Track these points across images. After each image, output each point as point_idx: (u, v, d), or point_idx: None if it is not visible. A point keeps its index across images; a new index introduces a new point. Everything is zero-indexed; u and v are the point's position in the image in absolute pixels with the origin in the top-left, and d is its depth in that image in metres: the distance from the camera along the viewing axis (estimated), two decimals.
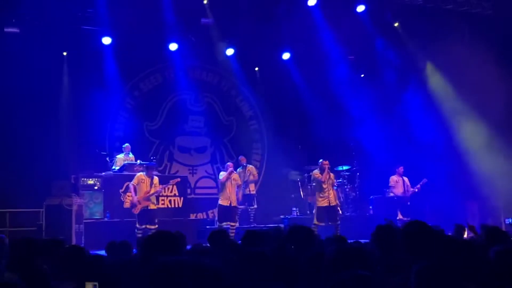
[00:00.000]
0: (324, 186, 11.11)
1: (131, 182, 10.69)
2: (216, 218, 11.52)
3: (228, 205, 11.21)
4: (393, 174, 12.73)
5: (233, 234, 10.61)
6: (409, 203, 12.44)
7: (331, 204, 11.09)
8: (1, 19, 12.16)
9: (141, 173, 10.85)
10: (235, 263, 3.05)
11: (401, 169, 12.73)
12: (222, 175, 11.47)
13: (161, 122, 14.90)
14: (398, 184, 12.63)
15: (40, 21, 12.23)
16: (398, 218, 11.91)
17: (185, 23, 13.51)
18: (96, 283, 3.05)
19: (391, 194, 12.67)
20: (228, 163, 11.76)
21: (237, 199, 11.53)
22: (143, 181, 10.63)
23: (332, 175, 11.52)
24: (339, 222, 11.13)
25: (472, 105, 12.82)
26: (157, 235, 3.52)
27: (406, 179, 12.69)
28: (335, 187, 13.45)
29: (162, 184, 10.97)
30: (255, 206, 13.08)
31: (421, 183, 12.51)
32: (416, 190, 12.53)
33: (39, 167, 11.56)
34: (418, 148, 13.44)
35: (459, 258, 3.05)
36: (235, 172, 11.68)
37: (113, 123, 14.27)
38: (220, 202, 11.37)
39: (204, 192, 15.00)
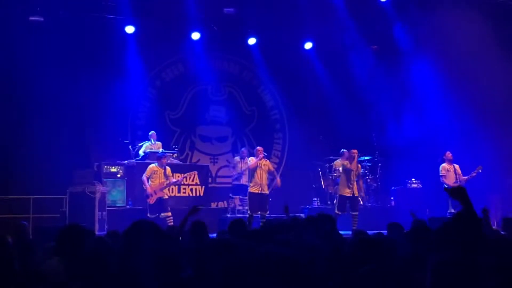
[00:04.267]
0: (352, 176, 11.00)
1: (144, 174, 10.87)
2: (247, 207, 11.07)
3: (259, 192, 10.83)
4: (442, 162, 11.55)
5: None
6: None
7: (354, 195, 11.03)
8: (26, 7, 12.29)
9: (153, 164, 11.01)
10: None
11: (449, 154, 11.51)
12: (251, 160, 11.13)
13: (182, 111, 14.95)
14: (450, 173, 11.38)
15: (64, 9, 12.35)
16: (449, 211, 10.91)
17: (208, 12, 13.53)
18: None
19: (444, 186, 11.27)
20: (258, 148, 11.25)
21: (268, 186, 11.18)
22: (155, 172, 10.83)
23: (359, 166, 11.46)
24: (357, 213, 11.05)
25: (496, 96, 12.63)
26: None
27: (457, 166, 11.53)
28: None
29: (175, 173, 11.14)
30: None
31: (476, 170, 11.34)
32: (470, 178, 11.35)
33: (62, 155, 11.70)
34: (440, 138, 13.27)
35: (479, 252, 3.01)
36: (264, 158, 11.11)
37: (135, 112, 14.36)
38: (250, 190, 10.91)
39: (225, 181, 15.03)
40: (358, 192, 11.42)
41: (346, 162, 11.18)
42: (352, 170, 10.99)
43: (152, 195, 10.71)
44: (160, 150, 12.44)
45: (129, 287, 2.85)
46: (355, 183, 11.06)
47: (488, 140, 12.61)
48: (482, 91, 12.65)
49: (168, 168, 11.07)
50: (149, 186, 10.74)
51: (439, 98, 13.52)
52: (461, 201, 3.36)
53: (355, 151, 11.17)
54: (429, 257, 2.45)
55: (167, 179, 10.91)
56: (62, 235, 3.98)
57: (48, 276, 3.36)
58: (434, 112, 13.64)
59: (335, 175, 13.10)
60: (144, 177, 10.83)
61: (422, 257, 3.42)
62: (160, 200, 10.80)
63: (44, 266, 3.65)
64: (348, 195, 10.96)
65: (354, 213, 10.91)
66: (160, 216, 10.60)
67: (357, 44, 14.45)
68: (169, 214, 10.73)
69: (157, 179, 10.80)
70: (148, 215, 10.58)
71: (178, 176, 11.52)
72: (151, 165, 11.02)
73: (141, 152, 12.63)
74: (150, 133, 12.94)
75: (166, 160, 11.24)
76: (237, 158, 13.36)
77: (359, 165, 11.41)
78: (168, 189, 11.34)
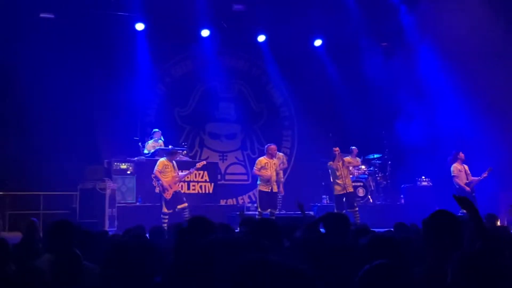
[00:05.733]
0: (338, 173, 10.96)
1: (156, 169, 10.69)
2: (257, 204, 11.03)
3: (269, 190, 10.73)
4: (453, 162, 11.15)
5: None
6: (474, 194, 10.76)
7: (347, 191, 10.99)
8: (37, 4, 12.35)
9: (163, 158, 10.88)
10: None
11: (462, 155, 11.17)
12: (262, 161, 10.84)
13: (192, 108, 14.98)
14: (462, 173, 11.00)
15: (75, 6, 12.39)
16: (461, 211, 10.70)
17: (217, 9, 13.51)
18: None
19: (456, 186, 10.88)
20: (271, 147, 11.06)
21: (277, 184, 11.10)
22: (167, 167, 10.69)
23: (348, 159, 11.38)
24: (357, 208, 11.01)
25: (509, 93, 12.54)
26: (193, 220, 3.55)
27: (466, 167, 11.18)
28: (365, 176, 13.42)
29: (184, 170, 11.10)
30: (283, 193, 12.90)
31: (486, 172, 11.00)
32: (482, 179, 11.00)
33: (73, 152, 11.75)
34: (451, 136, 13.17)
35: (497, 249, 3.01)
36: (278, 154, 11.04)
37: (144, 109, 14.40)
38: (260, 188, 10.82)
39: (234, 178, 15.08)
40: (352, 188, 11.36)
41: (330, 163, 11.14)
42: (337, 168, 10.97)
43: (168, 190, 10.53)
44: (170, 147, 12.44)
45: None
46: (347, 180, 11.01)
47: (500, 138, 12.52)
48: (494, 89, 12.55)
49: (174, 162, 10.94)
50: (165, 180, 10.56)
51: (450, 96, 13.44)
52: (468, 210, 3.42)
53: (336, 148, 11.13)
54: (453, 253, 2.44)
55: (176, 173, 10.80)
56: (50, 232, 3.91)
57: (37, 274, 3.35)
58: (445, 110, 13.55)
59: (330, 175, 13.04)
60: (157, 172, 10.65)
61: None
62: (176, 194, 10.64)
63: (34, 263, 3.63)
64: (341, 192, 10.93)
65: (351, 209, 10.82)
66: (176, 209, 10.45)
67: (367, 41, 14.39)
68: (186, 205, 10.53)
69: (170, 173, 10.65)
70: (165, 210, 10.45)
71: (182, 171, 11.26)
72: (161, 159, 10.84)
73: (145, 151, 12.61)
74: (153, 131, 12.92)
75: (177, 157, 11.16)
76: None
77: (347, 159, 11.32)
78: (178, 185, 11.09)
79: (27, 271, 3.34)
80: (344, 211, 10.58)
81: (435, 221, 3.30)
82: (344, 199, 10.93)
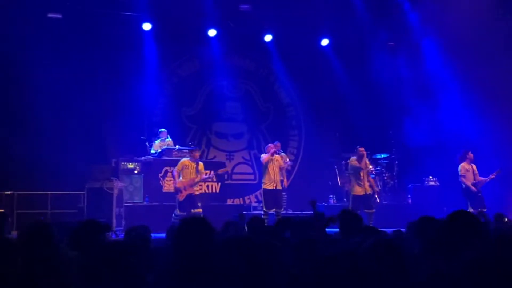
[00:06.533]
0: (361, 174, 10.93)
1: (175, 168, 10.61)
2: (262, 204, 10.97)
3: (274, 188, 10.72)
4: (461, 161, 11.17)
5: None
6: (480, 194, 10.95)
7: (367, 193, 10.95)
8: (44, 4, 12.41)
9: (186, 159, 10.76)
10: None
11: (471, 154, 11.22)
12: (263, 156, 10.93)
13: (199, 108, 14.99)
14: (469, 173, 11.09)
15: (83, 6, 12.44)
16: (468, 210, 10.47)
17: (224, 9, 13.53)
18: None
19: (463, 186, 11.04)
20: (270, 145, 11.14)
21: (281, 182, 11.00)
22: (187, 167, 10.53)
23: (368, 162, 11.37)
24: (374, 210, 10.97)
25: None
26: (190, 221, 3.55)
27: (474, 166, 11.24)
28: (372, 175, 13.38)
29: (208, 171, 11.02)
30: (286, 185, 12.85)
31: (495, 172, 11.05)
32: (489, 180, 11.07)
33: (80, 151, 11.77)
34: (458, 136, 13.11)
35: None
36: (280, 153, 10.99)
37: (151, 109, 14.41)
38: (264, 186, 10.81)
39: (241, 178, 15.08)
40: (374, 188, 11.29)
41: (355, 161, 11.05)
42: (362, 168, 10.91)
43: (181, 191, 10.39)
44: (177, 146, 12.46)
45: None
46: (366, 181, 10.98)
47: (507, 138, 12.45)
48: (501, 88, 12.48)
49: (200, 164, 10.72)
50: (178, 181, 10.44)
51: (458, 96, 13.39)
52: None
53: (362, 148, 11.07)
54: (462, 254, 2.43)
55: (198, 175, 10.54)
56: (79, 231, 4.02)
57: (64, 270, 3.37)
58: (453, 110, 13.51)
59: (350, 173, 13.00)
60: (175, 172, 10.52)
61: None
62: (190, 197, 10.42)
63: (59, 260, 3.67)
64: (361, 194, 10.88)
65: (368, 211, 10.80)
66: (191, 213, 10.23)
67: (374, 41, 14.37)
68: (200, 210, 10.27)
69: (188, 175, 10.47)
70: (177, 212, 10.36)
71: (206, 173, 11.09)
72: (183, 160, 10.71)
73: (152, 151, 12.62)
74: (160, 131, 12.93)
75: (198, 153, 10.94)
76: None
77: (368, 162, 11.31)
78: (195, 187, 10.77)
79: (50, 267, 3.36)
80: (359, 211, 10.53)
81: (457, 222, 3.27)
82: (362, 201, 10.87)
